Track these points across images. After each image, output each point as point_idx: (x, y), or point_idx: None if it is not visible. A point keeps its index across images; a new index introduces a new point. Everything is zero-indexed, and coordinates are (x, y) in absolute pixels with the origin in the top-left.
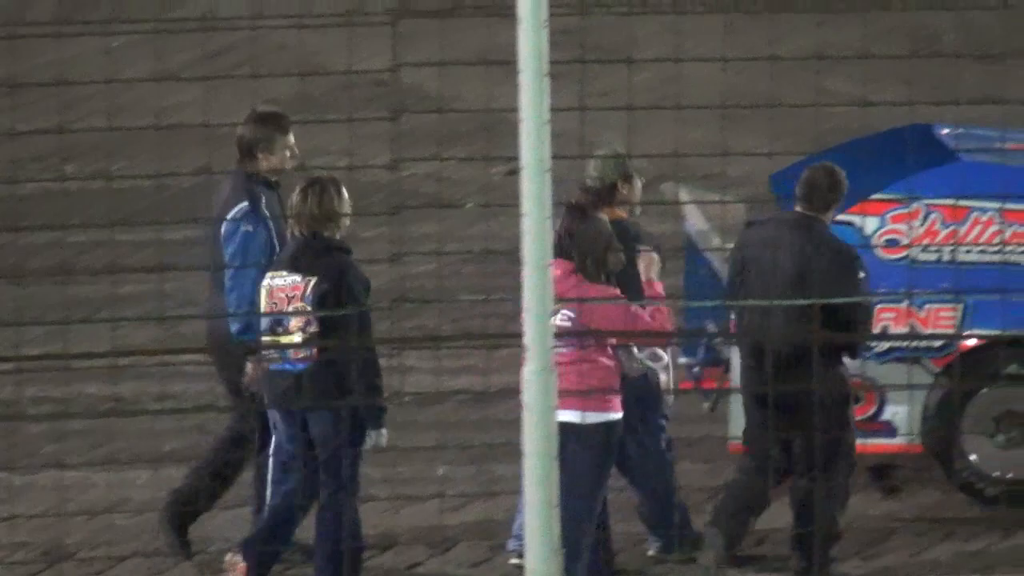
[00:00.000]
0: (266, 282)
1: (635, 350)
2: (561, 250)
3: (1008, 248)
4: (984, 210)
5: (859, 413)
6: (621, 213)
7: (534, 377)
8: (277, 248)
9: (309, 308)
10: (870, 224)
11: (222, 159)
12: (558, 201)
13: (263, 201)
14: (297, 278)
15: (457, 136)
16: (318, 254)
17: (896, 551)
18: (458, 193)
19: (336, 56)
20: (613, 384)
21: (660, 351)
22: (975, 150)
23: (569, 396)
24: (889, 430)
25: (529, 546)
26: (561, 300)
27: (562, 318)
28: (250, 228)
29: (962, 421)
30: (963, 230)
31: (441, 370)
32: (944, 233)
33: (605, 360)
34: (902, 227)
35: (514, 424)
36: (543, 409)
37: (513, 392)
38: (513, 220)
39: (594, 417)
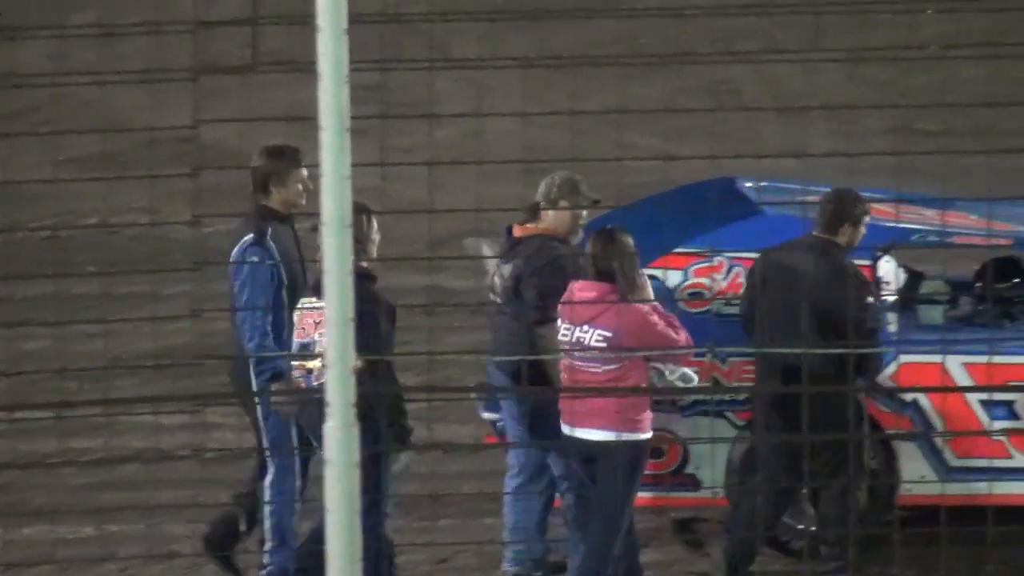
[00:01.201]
0: (298, 310)
1: (667, 372)
2: (592, 272)
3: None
4: (712, 257)
5: (662, 467)
6: (549, 228)
7: (336, 433)
8: (285, 280)
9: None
10: (673, 278)
11: (24, 216)
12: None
13: (269, 233)
14: (324, 304)
15: None
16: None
17: None
18: None
19: (141, 113)
20: (645, 404)
21: (690, 371)
22: (777, 203)
23: (602, 416)
24: (693, 483)
25: None
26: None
27: (597, 338)
28: (255, 259)
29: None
30: (721, 282)
31: (246, 426)
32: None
33: (639, 380)
34: (705, 280)
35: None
36: (345, 465)
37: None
38: None
39: (627, 436)
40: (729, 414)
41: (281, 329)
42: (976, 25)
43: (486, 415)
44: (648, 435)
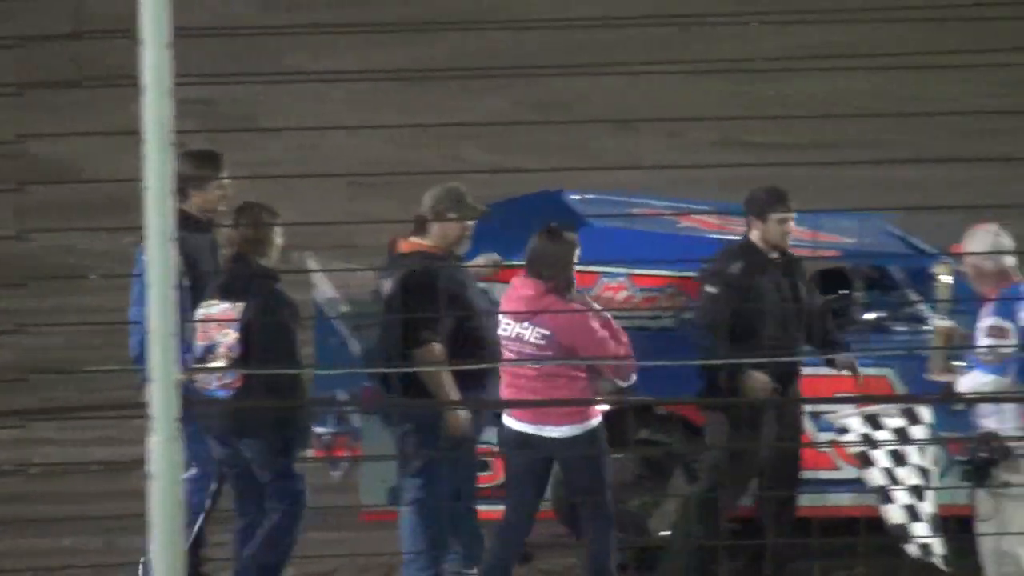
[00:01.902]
0: (200, 311)
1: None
2: (531, 270)
3: (639, 313)
4: (613, 275)
5: (489, 480)
6: (430, 244)
7: (160, 447)
8: (188, 284)
9: (238, 334)
10: (500, 290)
11: None
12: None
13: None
14: (227, 305)
15: (91, 206)
16: (246, 280)
17: None
18: (91, 264)
19: None
20: (587, 395)
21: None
22: (603, 215)
23: (568, 412)
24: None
25: None
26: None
27: (536, 336)
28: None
29: None
30: (593, 295)
31: (73, 441)
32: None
33: (578, 373)
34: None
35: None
36: (169, 479)
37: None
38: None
39: (578, 429)
40: None
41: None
42: (810, 38)
43: (317, 429)
44: (597, 420)
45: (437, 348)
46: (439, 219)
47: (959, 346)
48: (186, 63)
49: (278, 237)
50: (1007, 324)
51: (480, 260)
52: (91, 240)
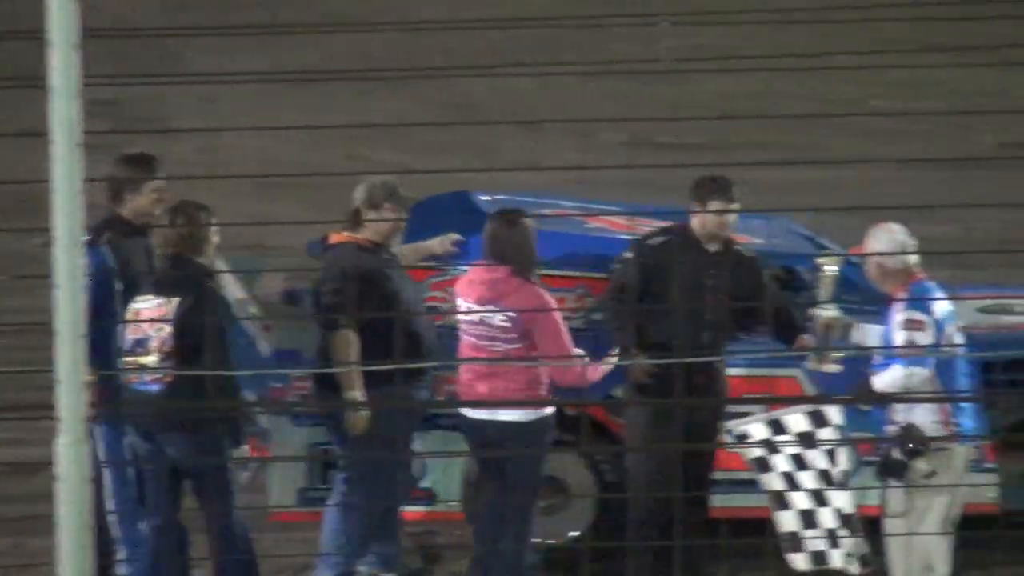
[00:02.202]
0: (133, 306)
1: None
2: (492, 255)
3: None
4: None
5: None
6: (368, 236)
7: (67, 449)
8: (119, 287)
9: (171, 329)
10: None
11: None
12: None
13: (106, 238)
14: (161, 300)
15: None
16: (181, 277)
17: None
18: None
19: None
20: (545, 382)
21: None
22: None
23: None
24: (429, 497)
25: None
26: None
27: (503, 319)
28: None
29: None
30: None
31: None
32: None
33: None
34: (440, 294)
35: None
36: (76, 481)
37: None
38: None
39: (532, 415)
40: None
41: (108, 332)
42: (711, 40)
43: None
44: (550, 411)
45: (351, 335)
46: (375, 211)
47: (884, 347)
48: (91, 64)
49: (215, 236)
50: (923, 316)
51: (437, 241)
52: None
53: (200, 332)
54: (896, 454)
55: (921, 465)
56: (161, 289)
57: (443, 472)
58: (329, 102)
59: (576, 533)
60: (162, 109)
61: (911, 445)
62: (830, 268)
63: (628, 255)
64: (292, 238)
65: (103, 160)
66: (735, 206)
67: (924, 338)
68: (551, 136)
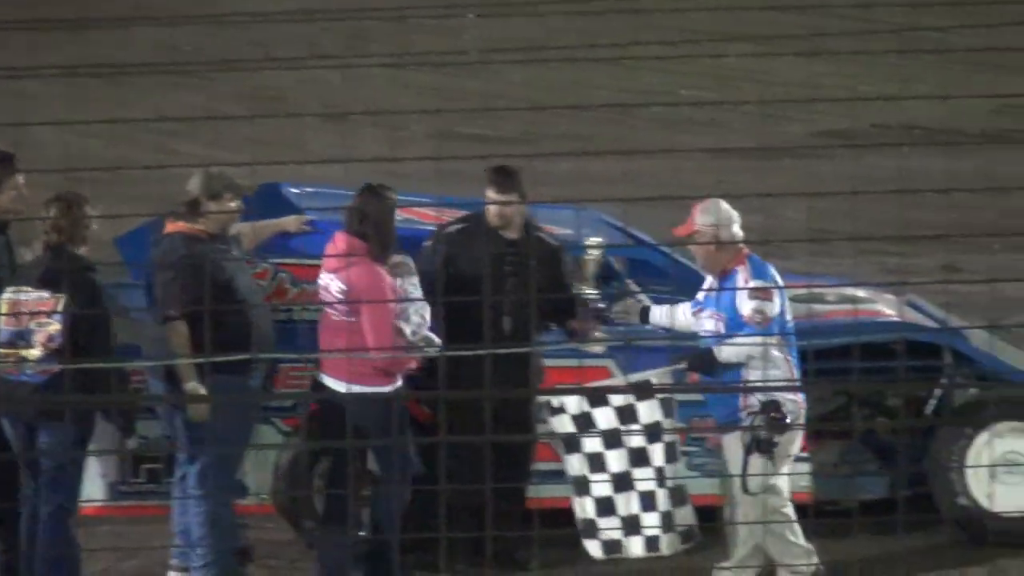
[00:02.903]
0: (8, 296)
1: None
2: (350, 227)
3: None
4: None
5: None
6: (204, 227)
7: None
8: None
9: (58, 324)
10: None
11: None
12: None
13: None
14: (45, 294)
15: None
16: (67, 272)
17: None
18: None
19: None
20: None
21: (434, 337)
22: (323, 208)
23: (353, 373)
24: (239, 489)
25: None
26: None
27: (337, 289)
28: None
29: (313, 480)
30: (314, 288)
31: None
32: (295, 292)
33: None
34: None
35: None
36: None
37: None
38: None
39: (358, 389)
40: (276, 420)
41: None
42: (517, 31)
43: None
44: (385, 388)
45: (181, 326)
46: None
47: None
48: None
49: (92, 224)
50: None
51: (292, 219)
52: None
53: (90, 328)
54: (763, 432)
55: (781, 439)
56: (44, 283)
57: (254, 465)
58: (135, 95)
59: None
60: None
61: (775, 418)
62: (593, 252)
63: (428, 244)
64: (102, 232)
65: None
66: (514, 196)
67: (773, 307)
68: (358, 129)
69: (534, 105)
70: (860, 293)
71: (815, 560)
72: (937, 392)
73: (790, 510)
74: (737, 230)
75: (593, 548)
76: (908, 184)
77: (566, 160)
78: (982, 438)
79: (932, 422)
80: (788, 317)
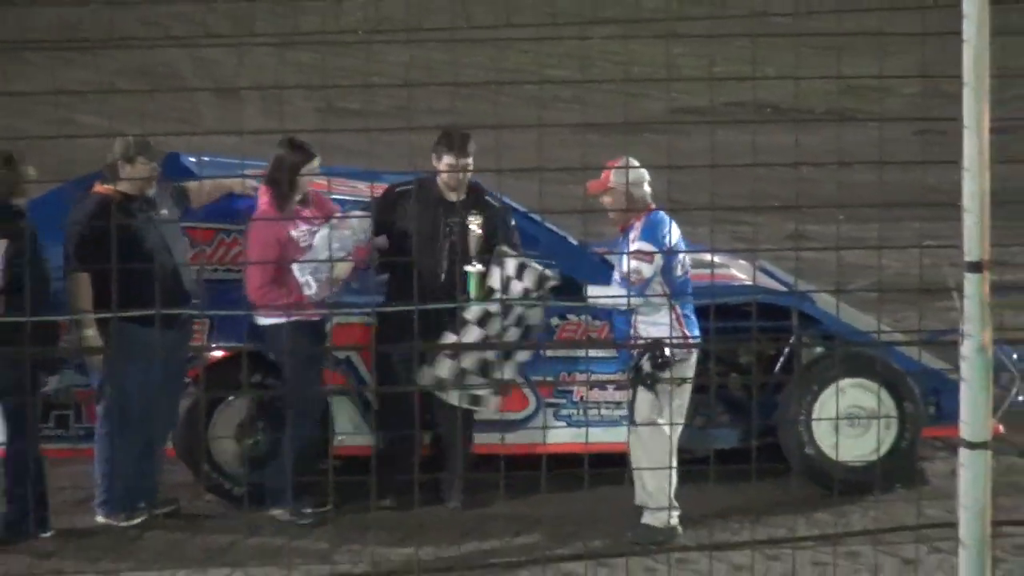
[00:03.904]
0: None
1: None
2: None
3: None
4: (229, 232)
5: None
6: (122, 188)
7: None
8: None
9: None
10: None
11: None
12: None
13: None
14: None
15: None
16: (6, 220)
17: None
18: None
19: None
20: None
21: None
22: (220, 176)
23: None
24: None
25: None
26: None
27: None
28: None
29: (210, 427)
30: (209, 251)
31: None
32: (191, 253)
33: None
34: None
35: None
36: None
37: None
38: None
39: (264, 321)
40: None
41: None
42: (395, 12)
43: None
44: (279, 320)
45: (81, 278)
46: (130, 164)
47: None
48: None
49: (30, 178)
50: (652, 248)
51: (238, 181)
52: None
53: (23, 270)
54: (646, 367)
55: (666, 374)
56: None
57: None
58: (33, 70)
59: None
60: None
61: (657, 357)
62: (474, 268)
63: (378, 201)
64: None
65: None
66: (469, 161)
67: (648, 269)
68: (248, 103)
69: (410, 82)
70: (716, 259)
71: (674, 516)
72: (786, 350)
73: (667, 452)
74: (647, 188)
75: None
76: (759, 158)
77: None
78: (827, 393)
79: (781, 378)
80: (678, 273)
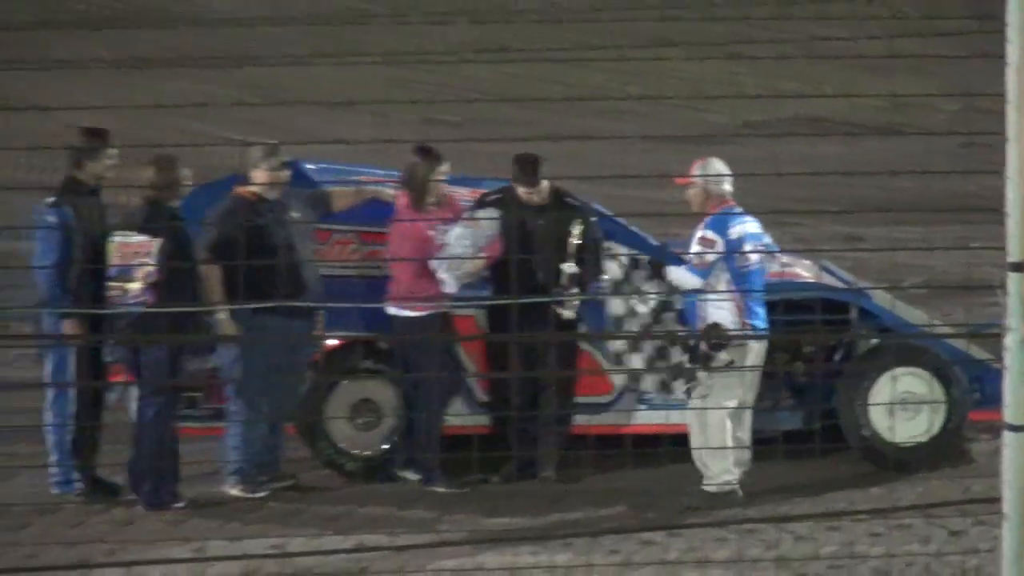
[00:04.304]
0: (118, 239)
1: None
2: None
3: (364, 263)
4: (344, 232)
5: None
6: (256, 191)
7: None
8: (76, 237)
9: (155, 263)
10: None
11: None
12: None
13: (67, 197)
14: (144, 238)
15: None
16: (161, 220)
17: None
18: None
19: None
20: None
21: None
22: (336, 182)
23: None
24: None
25: None
26: None
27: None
28: (52, 219)
29: (326, 408)
30: (325, 249)
31: None
32: (361, 252)
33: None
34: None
35: None
36: None
37: None
38: None
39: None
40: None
41: (66, 276)
42: (490, 33)
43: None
44: (413, 314)
45: (213, 269)
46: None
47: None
48: None
49: (184, 181)
50: (716, 237)
51: (375, 189)
52: None
53: (177, 267)
54: (703, 347)
55: (722, 355)
56: (145, 229)
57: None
58: (172, 83)
59: (387, 446)
60: (28, 90)
61: (714, 340)
62: (569, 268)
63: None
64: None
65: None
66: (537, 185)
67: (711, 256)
68: (356, 115)
69: (501, 97)
70: (784, 258)
71: (732, 480)
72: (845, 341)
73: (722, 427)
74: (726, 187)
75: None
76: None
77: (527, 146)
78: (882, 380)
79: (842, 367)
80: (740, 263)
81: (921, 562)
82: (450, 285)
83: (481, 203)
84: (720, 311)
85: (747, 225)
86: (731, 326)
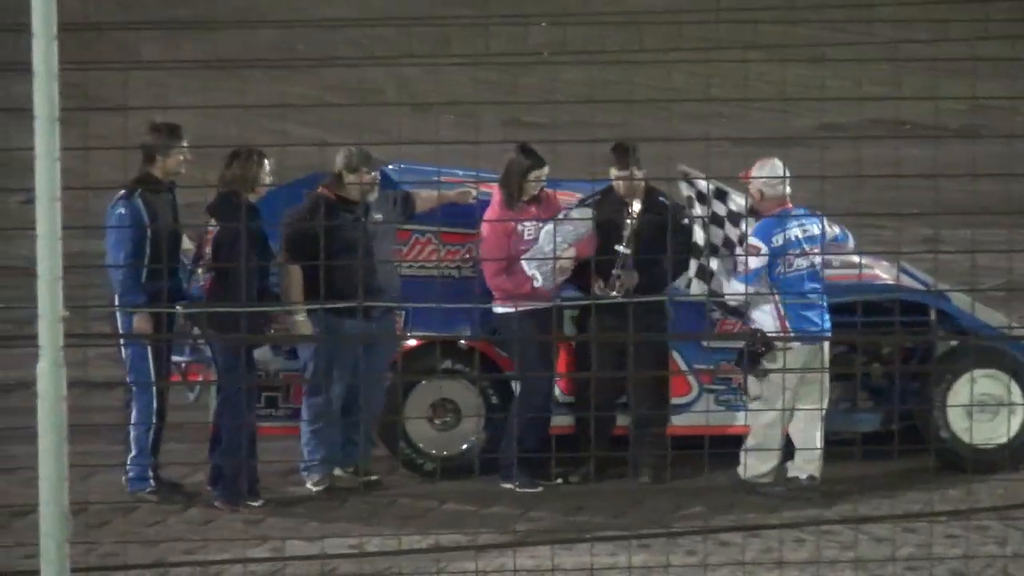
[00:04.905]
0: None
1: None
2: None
3: (444, 264)
4: (423, 233)
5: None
6: (343, 194)
7: (46, 372)
8: (150, 233)
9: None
10: None
11: None
12: None
13: (138, 193)
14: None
15: None
16: (233, 210)
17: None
18: None
19: None
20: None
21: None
22: (416, 182)
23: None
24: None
25: (43, 515)
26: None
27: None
28: (122, 211)
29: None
30: (404, 250)
31: None
32: (441, 252)
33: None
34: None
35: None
36: (53, 398)
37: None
38: (29, 241)
39: (497, 309)
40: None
41: (138, 270)
42: (574, 36)
43: (176, 358)
44: (504, 309)
45: (294, 270)
46: (352, 173)
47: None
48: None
49: (265, 175)
50: (759, 243)
51: (456, 192)
52: None
53: (236, 253)
54: (750, 351)
55: (764, 363)
56: (218, 218)
57: None
58: (255, 84)
59: (466, 446)
60: (119, 91)
61: (758, 346)
62: (623, 249)
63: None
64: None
65: (73, 133)
66: (633, 170)
67: (754, 261)
68: (439, 117)
69: (585, 99)
70: (864, 260)
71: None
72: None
73: (767, 425)
74: (782, 189)
75: None
76: (898, 170)
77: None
78: (960, 382)
79: (920, 369)
80: (780, 270)
81: (998, 564)
82: (539, 282)
83: (581, 203)
84: (763, 316)
85: (792, 231)
86: (772, 330)
